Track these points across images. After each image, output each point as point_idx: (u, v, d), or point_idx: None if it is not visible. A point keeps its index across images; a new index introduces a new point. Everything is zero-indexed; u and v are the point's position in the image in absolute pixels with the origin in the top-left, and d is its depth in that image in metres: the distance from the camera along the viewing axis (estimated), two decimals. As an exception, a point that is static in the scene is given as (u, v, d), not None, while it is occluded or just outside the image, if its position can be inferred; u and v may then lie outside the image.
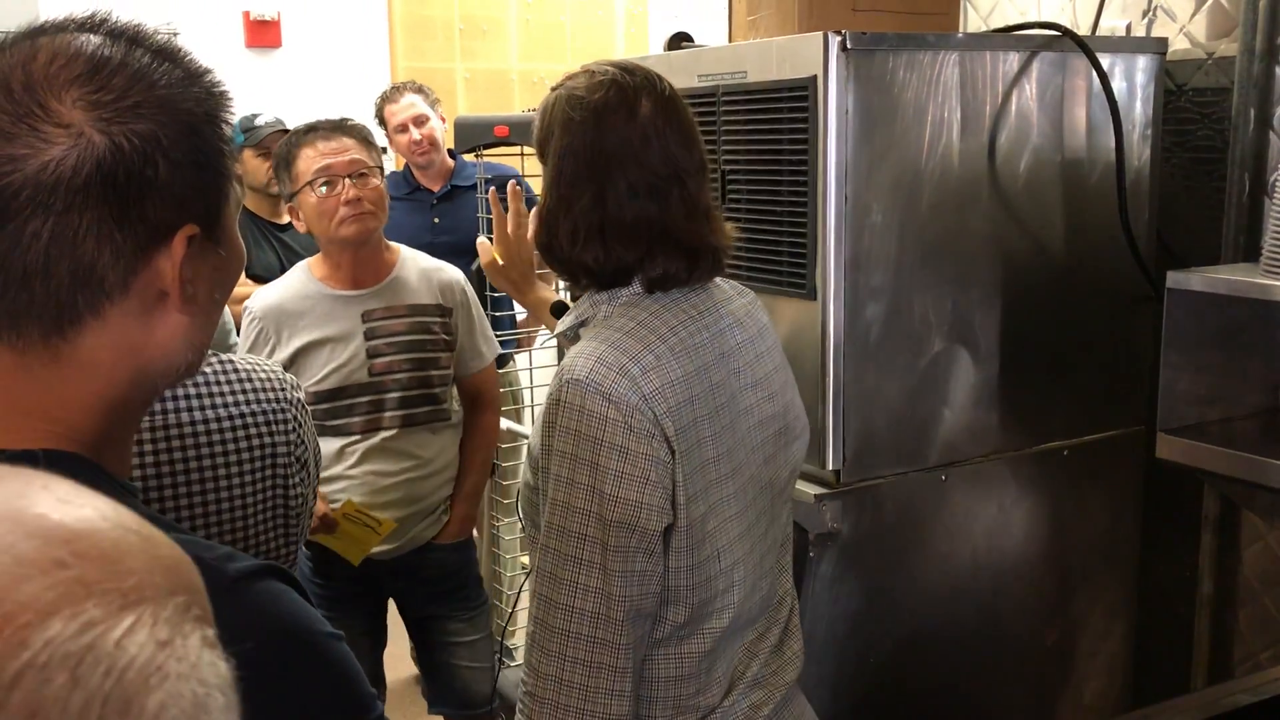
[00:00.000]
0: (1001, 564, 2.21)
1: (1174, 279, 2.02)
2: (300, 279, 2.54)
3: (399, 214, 3.34)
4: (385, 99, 3.94)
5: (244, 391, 1.36)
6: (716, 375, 1.46)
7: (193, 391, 1.32)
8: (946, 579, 2.15)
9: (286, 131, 3.72)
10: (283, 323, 2.48)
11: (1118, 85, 2.17)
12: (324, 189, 2.41)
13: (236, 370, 1.38)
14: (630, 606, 1.37)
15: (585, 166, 1.46)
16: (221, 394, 1.34)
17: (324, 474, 2.40)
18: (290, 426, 1.40)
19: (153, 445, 1.28)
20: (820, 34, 1.86)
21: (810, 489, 1.99)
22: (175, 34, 3.88)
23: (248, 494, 1.34)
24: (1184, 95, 2.36)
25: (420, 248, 2.78)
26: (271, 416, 1.38)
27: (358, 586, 2.61)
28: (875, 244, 1.96)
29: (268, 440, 1.36)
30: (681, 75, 2.19)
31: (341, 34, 4.65)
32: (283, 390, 1.42)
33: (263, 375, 1.40)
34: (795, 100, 1.92)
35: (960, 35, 1.97)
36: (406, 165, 3.94)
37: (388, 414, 2.50)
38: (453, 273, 2.67)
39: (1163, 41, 2.22)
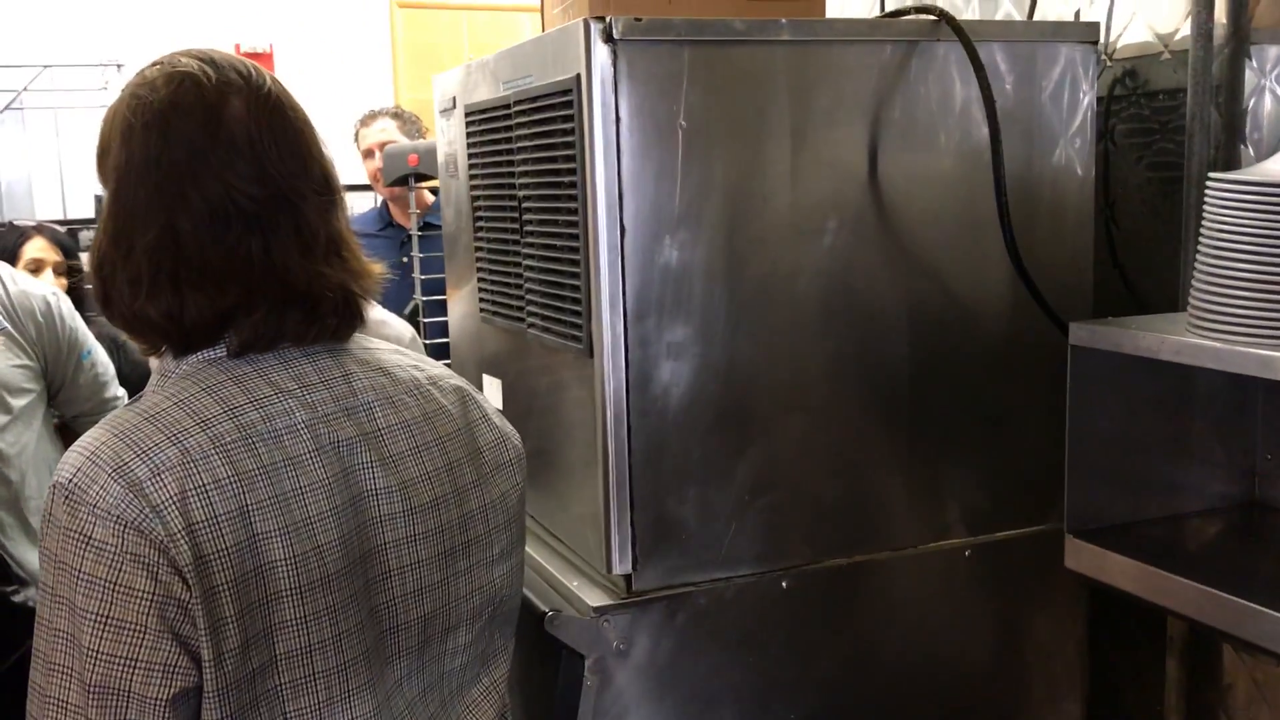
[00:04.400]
0: (879, 695, 1.73)
1: (1078, 333, 1.53)
2: None
3: (369, 253, 3.07)
4: (361, 122, 3.71)
5: None
6: (317, 473, 1.07)
7: None
8: (796, 714, 1.68)
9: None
10: None
11: (1054, 85, 1.69)
12: None
13: None
14: None
15: (152, 188, 1.10)
16: None
17: None
18: None
19: None
20: (581, 21, 1.46)
21: (590, 598, 1.57)
22: (119, 65, 3.73)
23: None
24: (1139, 99, 1.85)
25: (390, 290, 2.46)
26: None
27: None
28: (670, 287, 1.54)
29: None
30: (488, 84, 1.82)
31: (340, 65, 4.44)
32: None
33: None
34: (563, 108, 1.53)
35: (784, 22, 1.54)
36: (384, 200, 3.67)
37: None
38: (399, 327, 2.32)
39: (1092, 28, 1.72)
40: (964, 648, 1.78)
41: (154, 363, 1.17)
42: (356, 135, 3.68)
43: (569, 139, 1.52)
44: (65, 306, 2.62)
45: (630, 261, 1.50)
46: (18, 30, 4.04)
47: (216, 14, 4.28)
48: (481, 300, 1.95)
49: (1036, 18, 2.01)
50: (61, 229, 3.40)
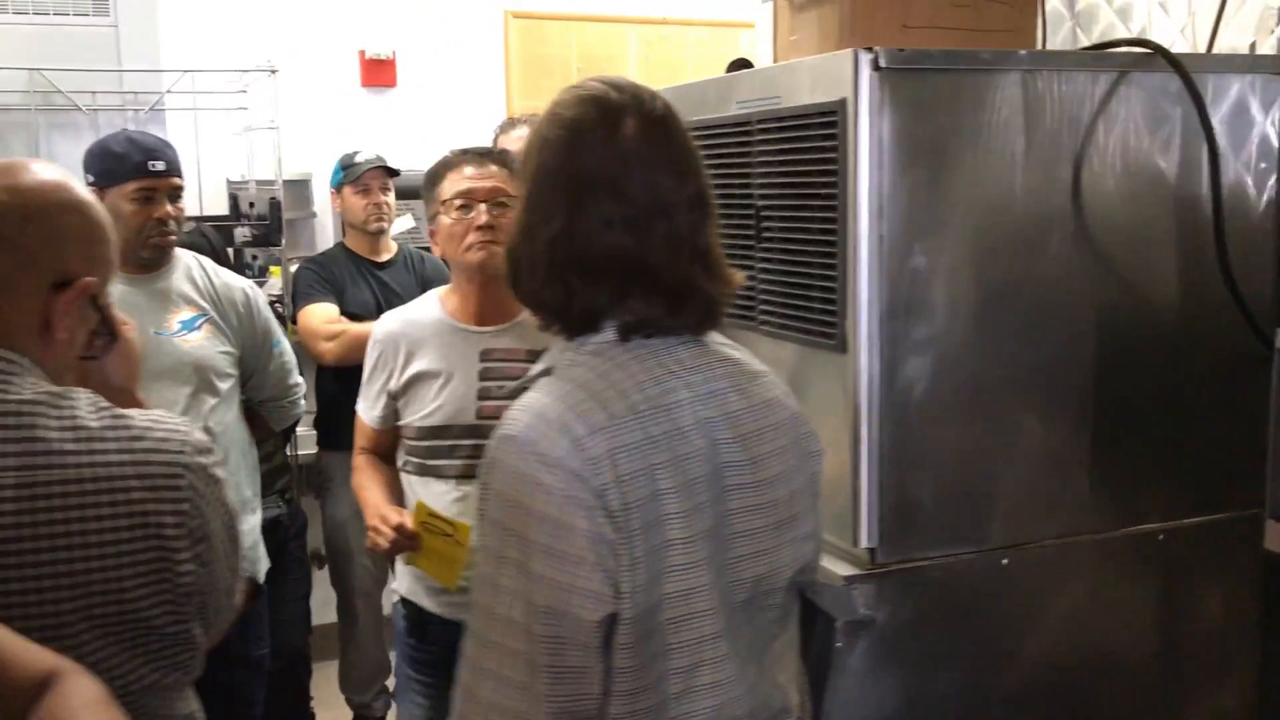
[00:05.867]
0: (1079, 668, 1.89)
1: (1285, 338, 1.70)
2: (427, 307, 2.36)
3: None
4: (501, 129, 3.87)
5: (129, 450, 1.21)
6: (695, 442, 1.26)
7: (70, 447, 1.19)
8: (1009, 681, 1.85)
9: (386, 169, 3.70)
10: (400, 348, 2.31)
11: (1228, 112, 1.85)
12: (459, 212, 2.25)
13: (128, 426, 1.24)
14: (561, 708, 1.18)
15: (557, 191, 1.30)
16: (104, 450, 1.20)
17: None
18: (183, 494, 1.24)
19: (15, 505, 1.15)
20: (850, 51, 1.63)
21: (839, 569, 1.74)
22: (274, 70, 3.91)
23: (124, 564, 1.18)
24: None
25: None
26: (158, 480, 1.22)
27: (453, 652, 2.44)
28: (918, 290, 1.71)
29: (151, 507, 1.21)
30: (722, 103, 2.00)
31: (457, 73, 4.62)
32: (180, 452, 1.25)
33: (159, 434, 1.25)
34: (824, 127, 1.70)
35: (1023, 53, 1.71)
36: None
37: None
38: None
39: (1284, 58, 1.89)
40: (1152, 621, 1.94)
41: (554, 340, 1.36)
42: (495, 142, 3.84)
43: (828, 154, 1.69)
44: (261, 299, 2.81)
45: (886, 266, 1.67)
46: (161, 36, 4.23)
47: (344, 23, 4.46)
48: (695, 300, 2.12)
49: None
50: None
